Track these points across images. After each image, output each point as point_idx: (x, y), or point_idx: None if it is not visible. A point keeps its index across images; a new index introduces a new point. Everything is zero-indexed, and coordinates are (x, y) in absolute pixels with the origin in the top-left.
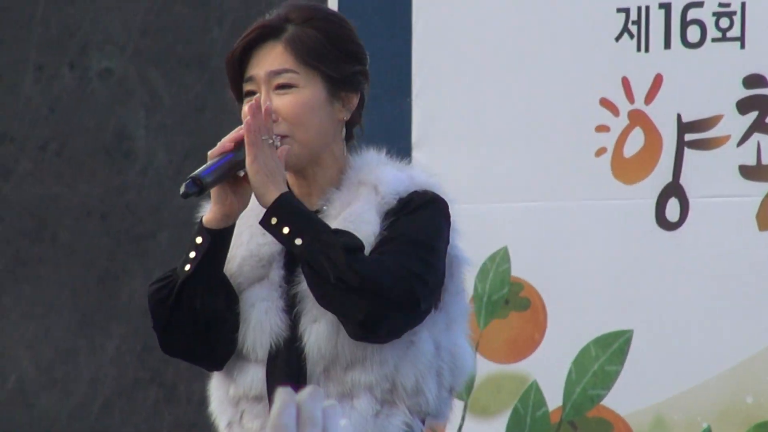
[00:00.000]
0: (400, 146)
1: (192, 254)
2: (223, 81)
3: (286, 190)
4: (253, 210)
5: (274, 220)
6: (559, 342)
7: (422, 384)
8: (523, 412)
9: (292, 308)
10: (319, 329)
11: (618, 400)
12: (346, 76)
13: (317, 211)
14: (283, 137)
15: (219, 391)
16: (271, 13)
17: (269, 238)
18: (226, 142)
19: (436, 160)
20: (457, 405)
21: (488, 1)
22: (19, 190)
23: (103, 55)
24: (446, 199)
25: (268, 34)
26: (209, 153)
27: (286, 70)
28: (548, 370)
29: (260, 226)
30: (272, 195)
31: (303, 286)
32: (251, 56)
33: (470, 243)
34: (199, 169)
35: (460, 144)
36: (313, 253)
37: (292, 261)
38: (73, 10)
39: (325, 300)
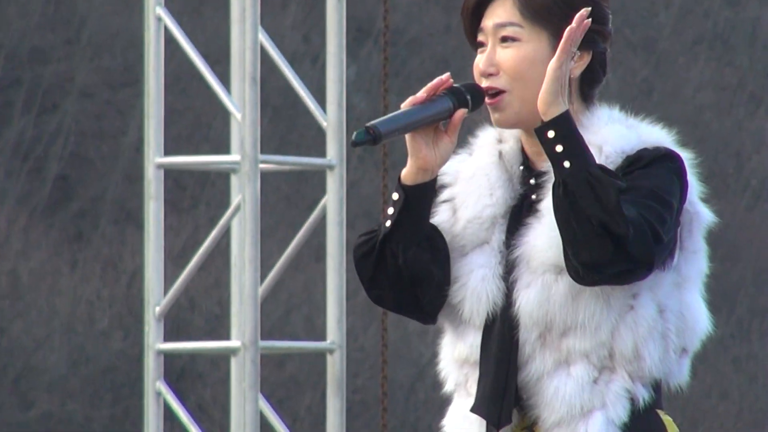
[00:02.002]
0: None
1: (390, 210)
2: (670, 65)
3: (568, 109)
4: (483, 169)
5: (551, 134)
6: None
7: (642, 349)
8: None
9: (509, 274)
10: (529, 295)
11: None
12: None
13: (544, 173)
14: (501, 92)
15: (447, 349)
16: None
17: (494, 199)
18: (420, 92)
19: None
20: None
21: None
22: None
23: None
24: (680, 154)
25: None
26: (403, 104)
27: (512, 23)
28: None
29: (488, 188)
30: (559, 108)
31: (520, 251)
32: (486, 8)
33: None
34: (379, 119)
35: None
36: (580, 182)
37: (514, 225)
38: None
39: (569, 231)
